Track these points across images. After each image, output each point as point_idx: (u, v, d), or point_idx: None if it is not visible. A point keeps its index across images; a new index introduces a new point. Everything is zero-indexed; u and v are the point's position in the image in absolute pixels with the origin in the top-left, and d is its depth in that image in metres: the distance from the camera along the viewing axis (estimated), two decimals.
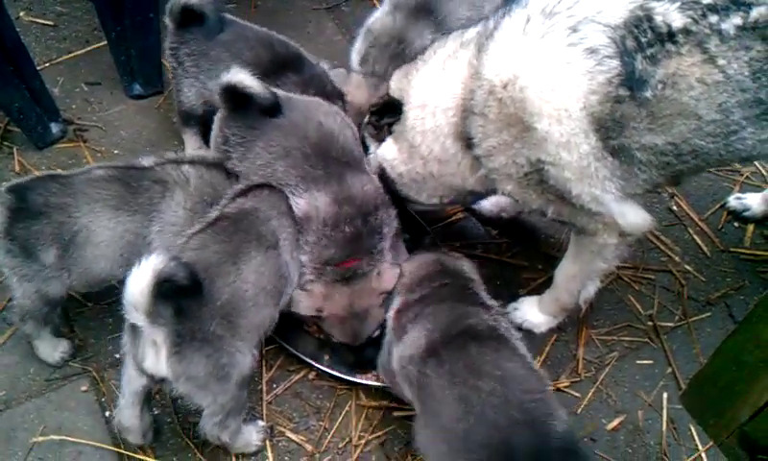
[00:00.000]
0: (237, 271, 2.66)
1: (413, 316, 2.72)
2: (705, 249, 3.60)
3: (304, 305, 2.95)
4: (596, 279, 3.15)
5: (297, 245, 2.94)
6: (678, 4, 2.36)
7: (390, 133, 3.07)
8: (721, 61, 2.35)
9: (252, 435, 2.89)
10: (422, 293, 2.79)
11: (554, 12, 2.48)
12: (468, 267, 2.98)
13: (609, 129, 2.46)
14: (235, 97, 3.08)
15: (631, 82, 2.39)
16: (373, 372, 3.04)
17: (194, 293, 2.47)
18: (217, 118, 3.23)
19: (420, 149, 2.92)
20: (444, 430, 2.47)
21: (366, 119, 3.21)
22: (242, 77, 3.03)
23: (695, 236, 3.64)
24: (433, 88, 2.83)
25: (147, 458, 2.87)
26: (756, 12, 2.32)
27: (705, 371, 2.77)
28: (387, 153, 3.08)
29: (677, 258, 3.56)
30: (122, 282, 2.41)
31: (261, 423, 2.96)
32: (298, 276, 2.95)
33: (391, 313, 2.87)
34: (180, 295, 2.43)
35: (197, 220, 2.84)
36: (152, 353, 2.50)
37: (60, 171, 3.04)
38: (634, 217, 2.72)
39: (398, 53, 3.48)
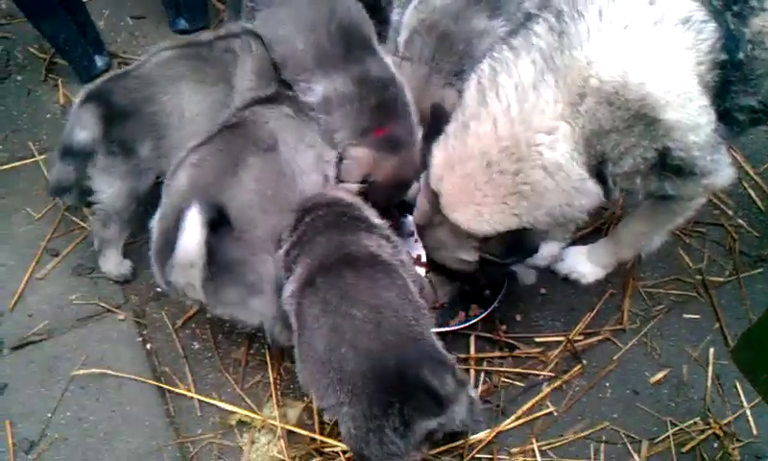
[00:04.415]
0: (238, 181, 2.66)
1: (296, 253, 2.66)
2: (759, 203, 3.50)
3: (354, 173, 2.95)
4: (665, 234, 3.01)
5: (304, 134, 2.90)
6: None
7: None
8: None
9: None
10: (303, 229, 2.70)
11: None
12: (343, 194, 2.84)
13: (716, 96, 2.38)
14: None
15: (729, 42, 2.29)
16: None
17: (218, 226, 2.53)
18: None
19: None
20: (321, 363, 2.39)
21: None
22: None
23: (750, 190, 3.54)
24: (541, 148, 2.42)
25: (187, 392, 2.88)
26: None
27: (758, 326, 2.69)
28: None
29: (730, 212, 3.46)
30: None
31: None
32: (315, 163, 2.91)
33: (280, 254, 2.74)
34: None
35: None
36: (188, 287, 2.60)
37: (125, 68, 3.04)
38: (728, 171, 2.63)
39: (448, 33, 3.21)
